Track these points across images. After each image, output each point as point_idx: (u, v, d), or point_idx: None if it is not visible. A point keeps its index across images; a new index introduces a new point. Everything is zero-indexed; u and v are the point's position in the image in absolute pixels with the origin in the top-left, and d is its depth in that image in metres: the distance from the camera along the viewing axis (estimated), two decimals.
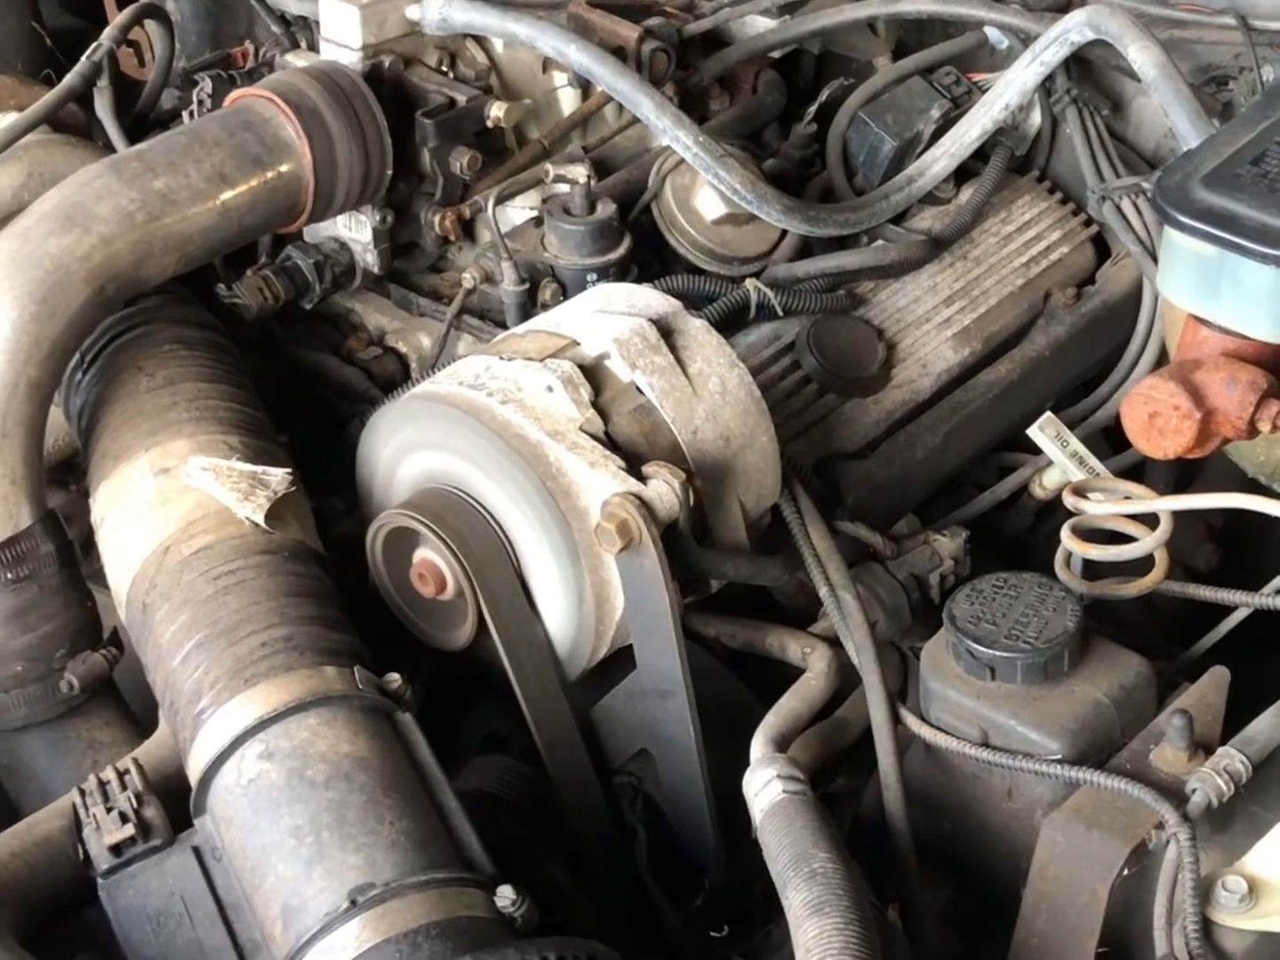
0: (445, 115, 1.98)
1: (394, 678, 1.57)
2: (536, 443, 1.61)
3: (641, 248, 2.08)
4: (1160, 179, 1.65)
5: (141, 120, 2.21)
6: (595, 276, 2.00)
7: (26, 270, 1.71)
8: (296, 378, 2.10)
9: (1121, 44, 2.00)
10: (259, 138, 1.86)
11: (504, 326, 2.04)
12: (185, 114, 2.09)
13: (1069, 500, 1.74)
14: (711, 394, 1.71)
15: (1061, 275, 2.29)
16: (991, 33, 2.37)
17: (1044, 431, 1.96)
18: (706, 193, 2.11)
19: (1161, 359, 2.13)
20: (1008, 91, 2.22)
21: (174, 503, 1.69)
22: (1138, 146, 2.40)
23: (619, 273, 2.01)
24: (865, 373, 2.06)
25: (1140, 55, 1.96)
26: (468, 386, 1.66)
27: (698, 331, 1.75)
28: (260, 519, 1.65)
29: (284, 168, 1.87)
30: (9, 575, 1.71)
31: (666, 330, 1.72)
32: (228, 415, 1.80)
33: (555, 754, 1.67)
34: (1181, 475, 2.15)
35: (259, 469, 1.68)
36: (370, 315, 2.17)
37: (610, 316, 1.72)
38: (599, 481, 1.59)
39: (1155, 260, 2.16)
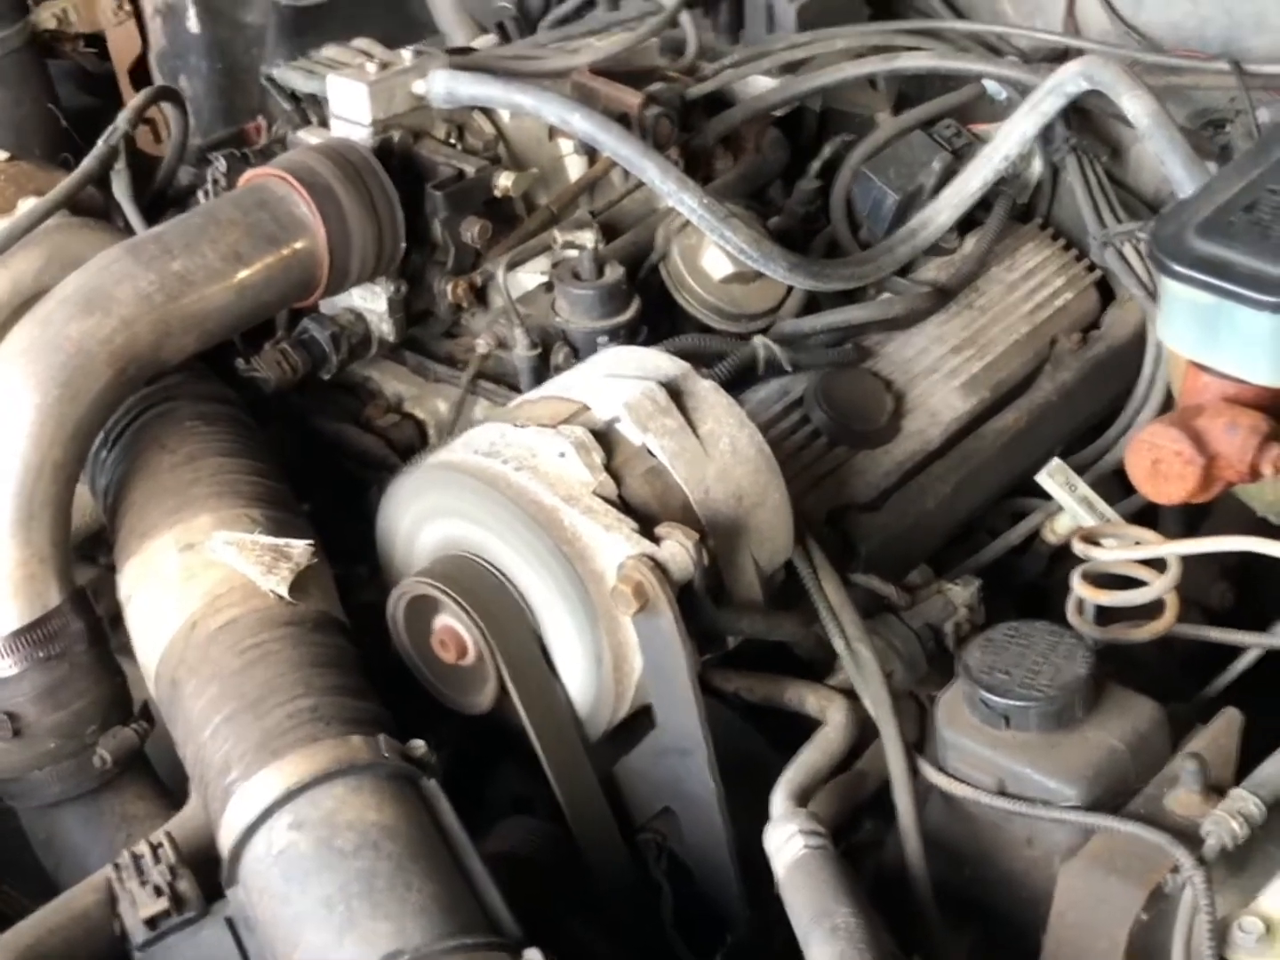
0: (455, 187, 2.02)
1: (418, 744, 1.60)
2: (551, 508, 1.64)
3: (650, 308, 2.11)
4: (1155, 229, 1.68)
5: (159, 198, 2.26)
6: (606, 339, 2.03)
7: (49, 355, 1.75)
8: (316, 447, 2.14)
9: (1115, 93, 2.03)
10: (273, 216, 1.90)
11: (519, 390, 2.08)
12: (200, 193, 2.13)
13: (1078, 547, 1.77)
14: (722, 454, 1.74)
15: (1067, 321, 2.32)
16: (990, 85, 2.41)
17: (1053, 478, 1.99)
18: (713, 252, 2.14)
19: (1167, 403, 2.15)
20: (1007, 142, 2.25)
21: (199, 578, 1.72)
22: (1138, 191, 2.43)
23: (629, 334, 2.04)
24: (875, 424, 2.09)
25: (1133, 104, 1.99)
26: (482, 454, 1.69)
27: (707, 393, 1.78)
28: (284, 591, 1.68)
29: (299, 244, 1.91)
30: (40, 654, 1.74)
31: (676, 392, 1.75)
32: (249, 489, 1.84)
33: (579, 814, 1.70)
34: (1194, 514, 2.17)
35: (281, 542, 1.72)
36: (387, 382, 2.21)
37: (620, 380, 1.76)
38: (613, 544, 1.62)
39: (1156, 301, 2.20)
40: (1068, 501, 1.99)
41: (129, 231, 2.11)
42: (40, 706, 1.76)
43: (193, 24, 2.75)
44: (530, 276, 2.13)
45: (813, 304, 2.21)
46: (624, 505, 1.67)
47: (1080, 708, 1.61)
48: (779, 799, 1.63)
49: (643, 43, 2.23)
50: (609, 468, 1.68)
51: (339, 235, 1.93)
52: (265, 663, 1.63)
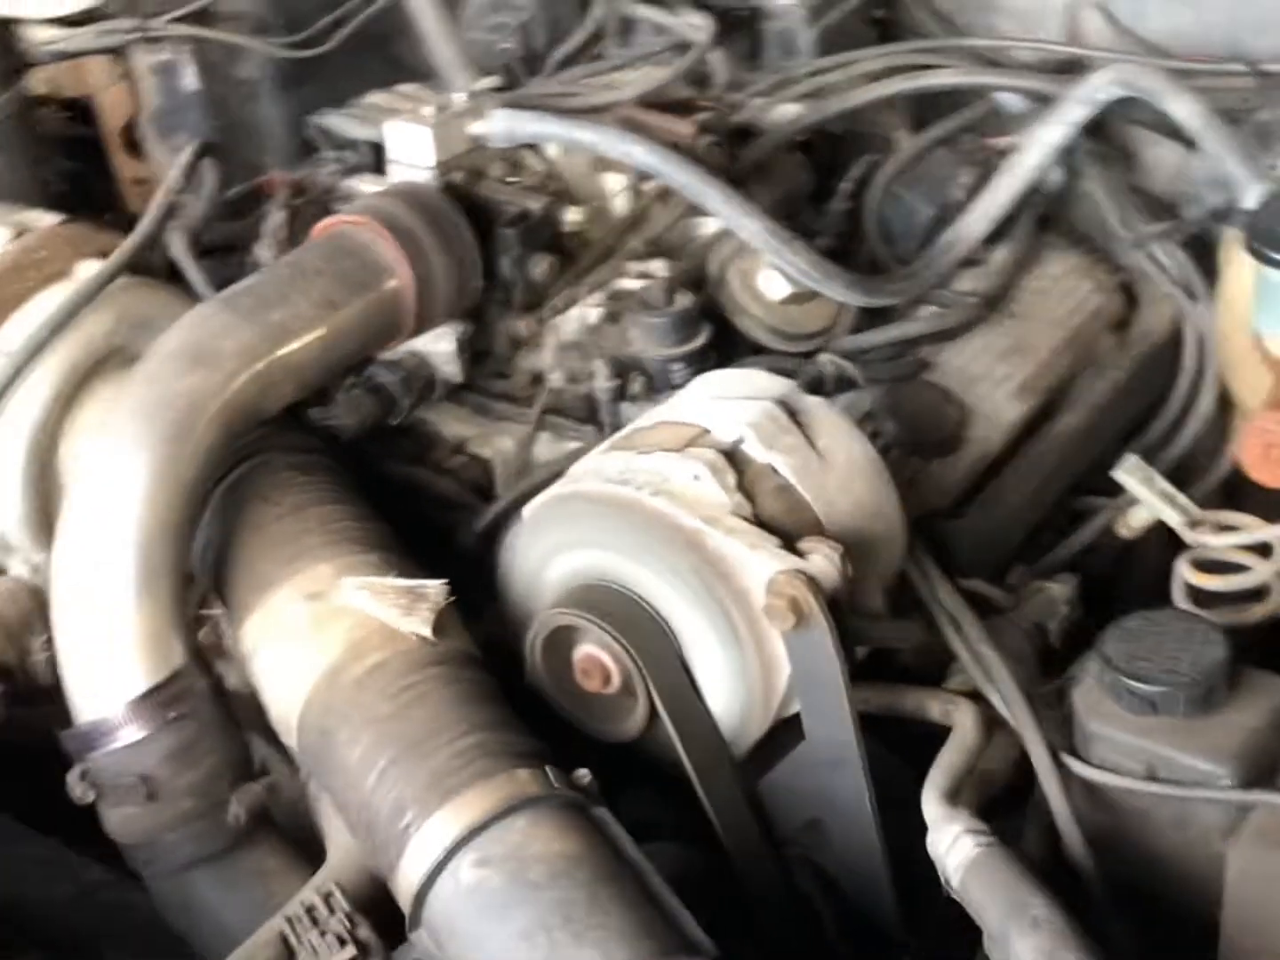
0: (525, 224, 2.03)
1: (584, 773, 1.60)
2: (692, 530, 1.66)
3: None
4: (1253, 224, 1.74)
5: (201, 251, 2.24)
6: (680, 365, 2.05)
7: (160, 413, 1.74)
8: (388, 492, 2.13)
9: (1159, 99, 2.09)
10: (361, 262, 1.90)
11: (585, 422, 2.10)
12: (262, 247, 2.12)
13: (1188, 536, 1.81)
14: (841, 467, 1.77)
15: (1099, 323, 2.38)
16: (1002, 98, 2.47)
17: (1131, 474, 2.03)
18: (769, 275, 2.17)
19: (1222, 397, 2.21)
20: (1035, 152, 2.30)
21: (333, 626, 1.71)
22: (1151, 193, 2.50)
23: (701, 360, 2.06)
24: (943, 434, 2.13)
25: (1182, 107, 2.05)
26: (614, 482, 1.70)
27: (816, 408, 1.81)
28: (428, 631, 1.68)
29: (387, 289, 1.91)
30: (169, 714, 1.72)
31: (790, 410, 1.77)
32: (360, 535, 1.84)
33: (733, 835, 1.71)
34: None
35: (414, 583, 1.72)
36: (446, 424, 2.20)
37: (733, 402, 1.78)
38: (760, 562, 1.63)
39: (1193, 298, 2.27)
40: (1146, 496, 2.04)
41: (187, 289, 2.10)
42: (173, 767, 1.74)
43: (190, 81, 2.73)
44: (587, 310, 2.14)
45: (860, 321, 2.24)
46: (758, 524, 1.68)
47: (1223, 690, 1.65)
48: (933, 802, 1.65)
49: (680, 75, 2.25)
50: (740, 488, 1.69)
51: (424, 278, 1.93)
52: (421, 704, 1.63)
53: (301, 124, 2.77)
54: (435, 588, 1.71)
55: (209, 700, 1.76)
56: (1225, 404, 2.23)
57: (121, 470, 1.72)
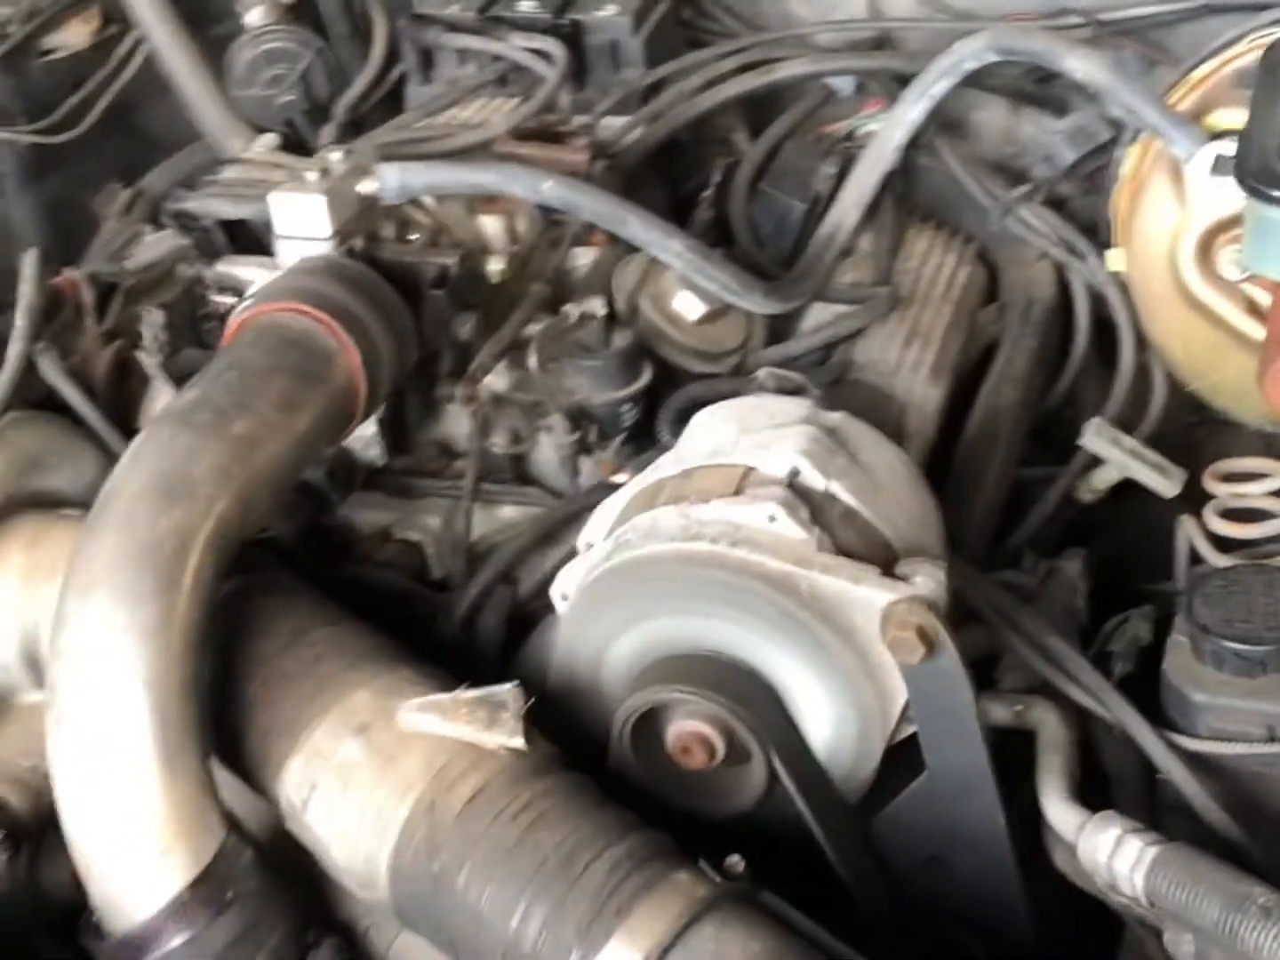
0: (450, 284, 1.86)
1: (736, 860, 1.46)
2: (783, 575, 1.53)
3: None
4: (1239, 165, 1.71)
5: None
6: (629, 407, 1.92)
7: (148, 558, 1.51)
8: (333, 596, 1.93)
9: (1053, 58, 2.05)
10: (306, 353, 1.71)
11: (523, 483, 1.96)
12: (142, 355, 1.89)
13: (1212, 485, 1.79)
14: (886, 480, 1.68)
15: (974, 295, 2.34)
16: (835, 82, 2.41)
17: (1100, 436, 2.00)
18: (683, 296, 2.06)
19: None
20: (898, 132, 2.25)
21: (403, 757, 1.53)
22: (982, 158, 2.48)
23: (647, 398, 1.94)
24: (890, 431, 2.05)
25: (1082, 63, 2.02)
26: (681, 540, 1.56)
27: (846, 423, 1.71)
28: (521, 742, 1.51)
29: (339, 377, 1.72)
30: (224, 898, 1.50)
31: (827, 431, 1.67)
32: (374, 650, 1.65)
33: (862, 888, 1.60)
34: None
35: (483, 692, 1.54)
36: (361, 515, 2.01)
37: (766, 433, 1.66)
38: (867, 595, 1.52)
39: (1078, 255, 2.25)
40: (1117, 456, 2.01)
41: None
42: (236, 954, 1.52)
43: None
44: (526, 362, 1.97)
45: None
46: (841, 554, 1.57)
47: None
48: (1065, 812, 1.58)
49: (547, 102, 2.11)
50: (814, 521, 1.58)
51: (370, 359, 1.75)
52: (544, 824, 1.46)
53: (53, 216, 2.55)
54: (509, 692, 1.54)
55: (258, 869, 1.54)
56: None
57: (116, 631, 1.49)
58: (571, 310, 1.93)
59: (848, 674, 1.55)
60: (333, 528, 2.01)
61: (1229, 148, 1.91)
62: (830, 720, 1.58)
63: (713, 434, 1.70)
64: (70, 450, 1.85)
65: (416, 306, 1.84)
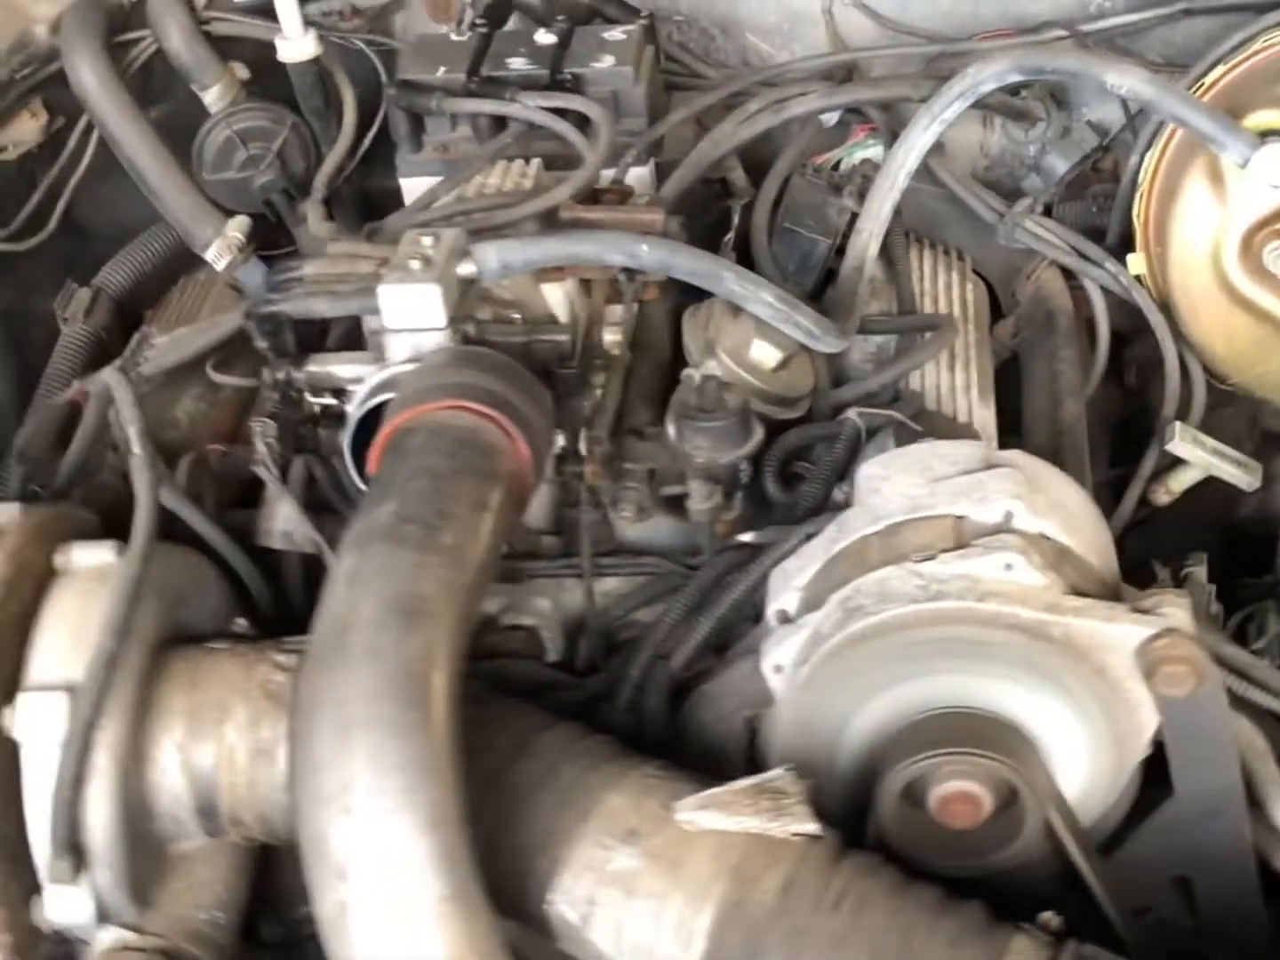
0: (574, 363, 1.81)
1: (1049, 915, 1.46)
2: (1037, 623, 1.53)
3: None
4: None
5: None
6: (746, 465, 1.90)
7: (404, 687, 1.43)
8: None
9: (1094, 74, 2.08)
10: (480, 451, 1.62)
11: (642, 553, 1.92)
12: (260, 470, 1.80)
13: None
14: (1078, 513, 1.68)
15: (985, 311, 2.38)
16: (825, 115, 2.42)
17: (1183, 440, 2.04)
18: (759, 345, 2.03)
19: None
20: (909, 158, 2.24)
21: (687, 858, 1.49)
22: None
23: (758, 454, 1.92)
24: None
25: (1125, 78, 2.05)
26: (922, 602, 1.54)
27: (1023, 460, 1.71)
28: (816, 826, 1.47)
29: (512, 474, 1.65)
30: None
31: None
32: (600, 749, 1.61)
33: (1128, 926, 1.60)
34: None
35: (755, 780, 1.50)
36: None
37: (962, 480, 1.65)
38: (1123, 633, 1.53)
39: (1087, 259, 2.30)
40: (1203, 458, 2.06)
41: None
42: None
43: None
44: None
45: None
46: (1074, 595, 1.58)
47: None
48: None
49: (601, 165, 2.06)
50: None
51: (534, 448, 1.68)
52: (868, 907, 1.44)
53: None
54: (784, 778, 1.51)
55: None
56: None
57: (389, 771, 1.40)
58: (694, 374, 1.89)
59: (1099, 714, 1.56)
60: None
61: None
62: (1085, 761, 1.58)
63: (898, 486, 1.69)
64: (202, 580, 1.75)
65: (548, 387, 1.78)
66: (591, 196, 2.06)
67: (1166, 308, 2.24)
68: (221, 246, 2.33)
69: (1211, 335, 2.20)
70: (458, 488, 1.58)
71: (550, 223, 1.99)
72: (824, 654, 1.58)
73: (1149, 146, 2.24)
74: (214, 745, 1.65)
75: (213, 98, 2.38)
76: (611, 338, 1.89)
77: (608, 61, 2.27)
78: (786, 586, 1.69)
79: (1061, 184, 2.46)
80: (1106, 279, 2.30)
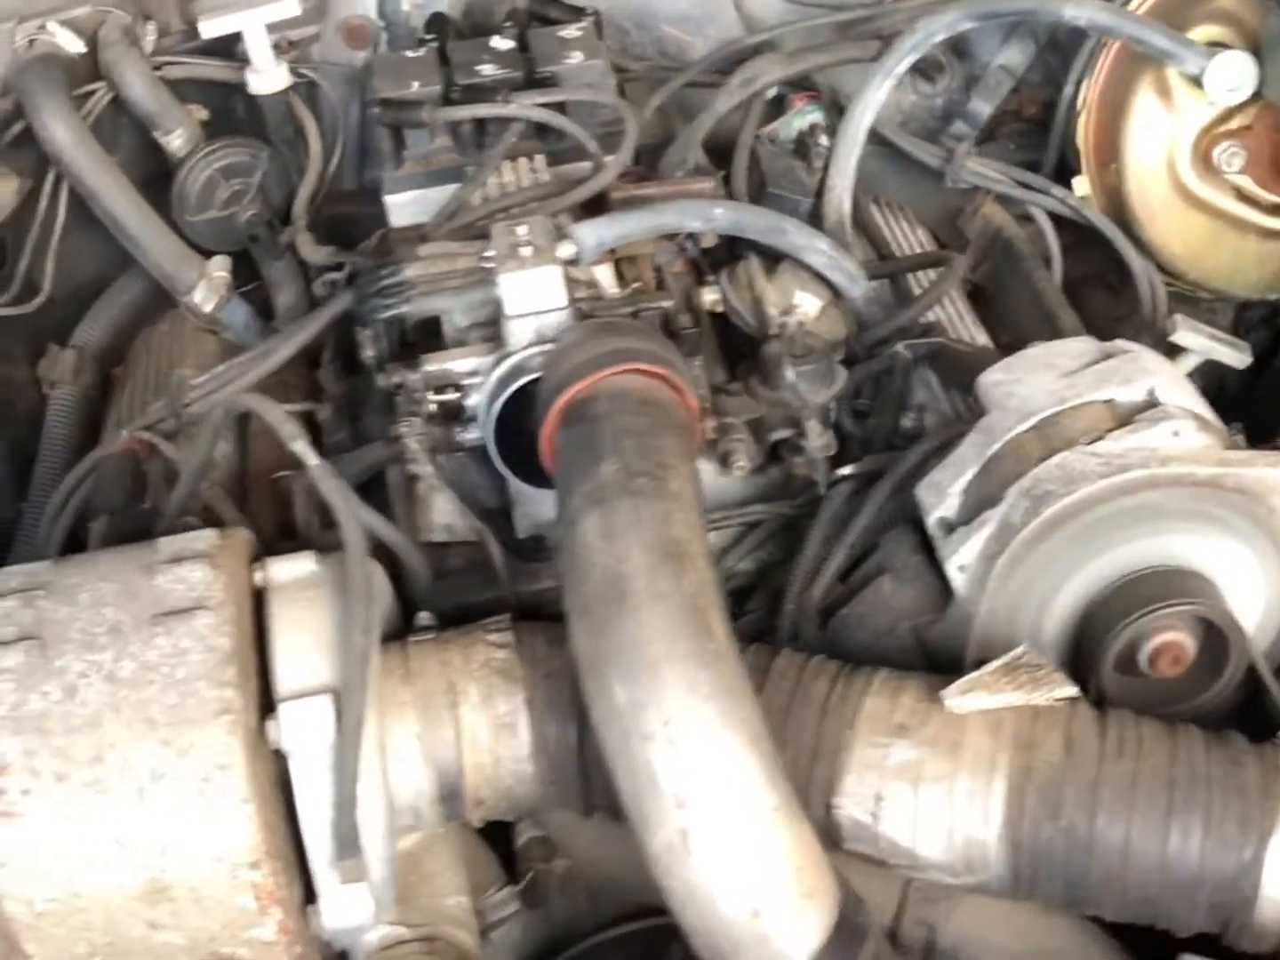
0: (692, 329, 1.90)
1: None
2: (1212, 477, 1.68)
3: None
4: None
5: None
6: (835, 403, 2.01)
7: (694, 623, 1.49)
8: None
9: (1049, 11, 2.25)
10: (659, 407, 1.69)
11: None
12: (417, 468, 1.83)
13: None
14: (1186, 384, 1.85)
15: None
16: None
17: (1184, 329, 2.23)
18: (801, 296, 2.12)
19: None
20: (866, 115, 2.40)
21: (964, 739, 1.59)
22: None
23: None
24: None
25: (1081, 9, 2.23)
26: (1107, 475, 1.67)
27: (1130, 346, 1.86)
28: (1075, 689, 1.60)
29: (686, 422, 1.73)
30: (864, 938, 1.50)
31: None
32: (832, 665, 1.71)
33: None
34: None
35: (1005, 660, 1.61)
36: None
37: (1092, 371, 1.79)
38: None
39: (1027, 188, 2.48)
40: (1204, 344, 2.25)
41: None
42: None
43: None
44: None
45: None
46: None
47: None
48: None
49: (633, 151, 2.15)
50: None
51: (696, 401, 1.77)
52: (1146, 750, 1.57)
53: None
54: (1029, 651, 1.62)
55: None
56: None
57: (704, 699, 1.46)
58: (789, 320, 1.99)
59: (1273, 551, 1.71)
60: None
61: (1232, 57, 2.20)
62: (1261, 596, 1.74)
63: (1033, 386, 1.81)
64: (383, 582, 1.77)
65: None
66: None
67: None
68: (208, 288, 2.33)
69: (1168, 237, 2.40)
70: (661, 441, 1.65)
71: (599, 206, 2.07)
72: (1021, 541, 1.69)
73: (1082, 76, 2.42)
74: (452, 729, 1.67)
75: (180, 142, 2.38)
76: (711, 297, 1.97)
77: (577, 57, 2.34)
78: (943, 496, 1.80)
79: (984, 127, 2.62)
80: (1053, 204, 2.47)
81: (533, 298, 1.84)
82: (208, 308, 2.36)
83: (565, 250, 1.89)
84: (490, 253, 1.88)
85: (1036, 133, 2.68)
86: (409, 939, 1.65)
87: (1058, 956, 1.76)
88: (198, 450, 1.87)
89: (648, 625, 1.49)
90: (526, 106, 2.24)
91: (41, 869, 1.51)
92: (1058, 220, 2.46)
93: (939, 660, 1.78)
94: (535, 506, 1.94)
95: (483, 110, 2.26)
